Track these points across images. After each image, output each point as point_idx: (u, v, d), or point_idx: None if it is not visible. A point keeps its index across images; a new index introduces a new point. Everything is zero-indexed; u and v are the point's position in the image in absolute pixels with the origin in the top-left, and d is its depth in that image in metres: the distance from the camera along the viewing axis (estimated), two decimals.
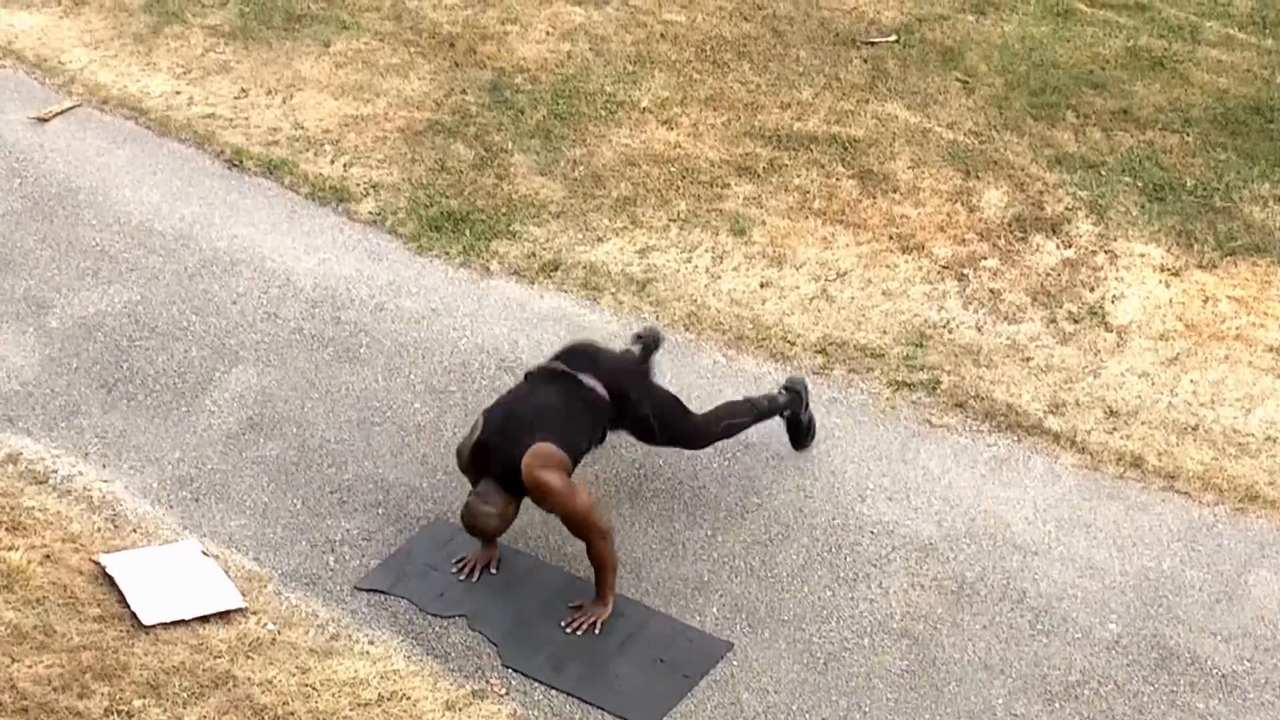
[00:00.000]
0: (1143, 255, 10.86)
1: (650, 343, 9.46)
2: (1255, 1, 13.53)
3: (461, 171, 11.63)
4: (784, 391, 9.39)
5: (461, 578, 8.80)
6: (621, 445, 9.35)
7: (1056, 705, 8.31)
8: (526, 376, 8.91)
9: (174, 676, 8.06)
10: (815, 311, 10.53)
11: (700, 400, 9.76)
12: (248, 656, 8.27)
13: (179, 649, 8.25)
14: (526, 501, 8.46)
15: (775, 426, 9.63)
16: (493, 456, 8.41)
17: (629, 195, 11.40)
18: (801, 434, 9.50)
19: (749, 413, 9.26)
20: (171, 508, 9.20)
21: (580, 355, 8.93)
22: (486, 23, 13.22)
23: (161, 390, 9.92)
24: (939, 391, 9.96)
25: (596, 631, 8.55)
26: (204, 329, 10.35)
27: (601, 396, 8.70)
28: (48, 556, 8.63)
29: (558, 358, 8.94)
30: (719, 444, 9.38)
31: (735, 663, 8.48)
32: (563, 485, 8.30)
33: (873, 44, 12.96)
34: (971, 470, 9.51)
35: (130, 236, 11.06)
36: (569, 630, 8.55)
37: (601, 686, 8.35)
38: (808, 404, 9.45)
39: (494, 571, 8.85)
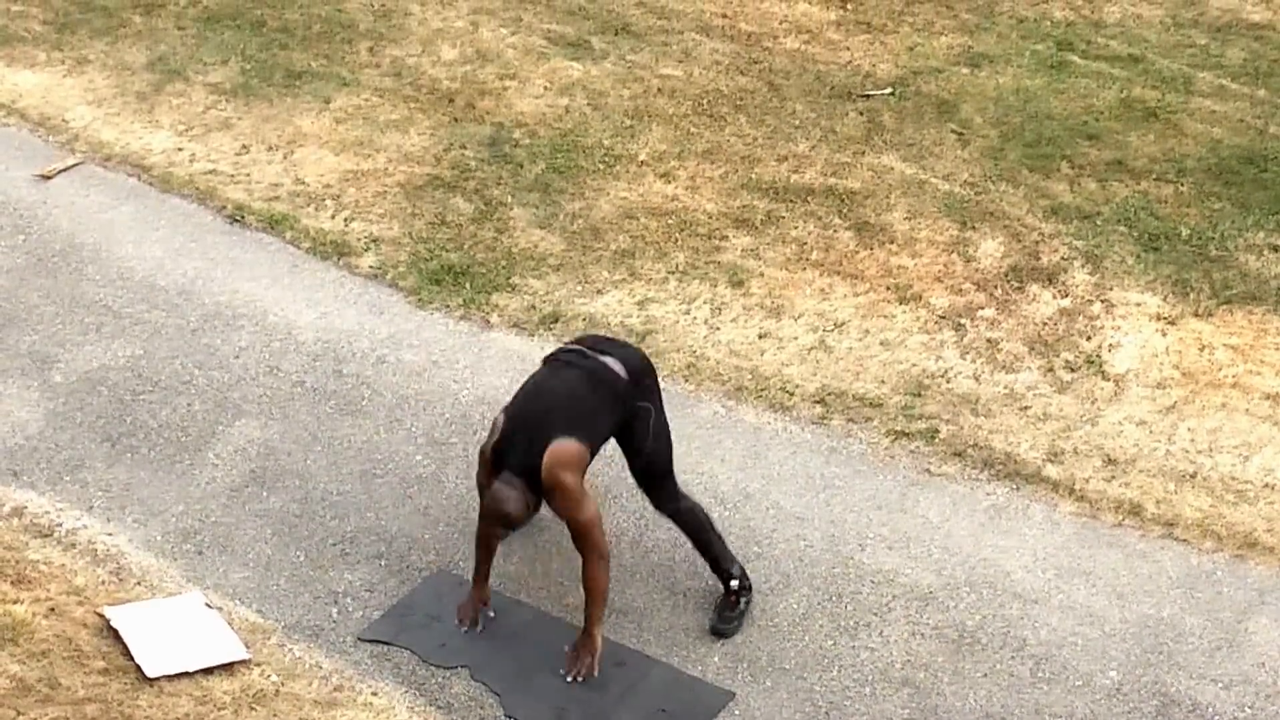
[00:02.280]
0: (1139, 304, 10.92)
1: None
2: (1247, 53, 13.63)
3: (461, 225, 11.70)
4: (745, 574, 9.02)
5: (464, 629, 8.83)
6: (624, 495, 9.39)
7: None
8: (545, 361, 8.89)
9: None
10: (814, 362, 10.58)
11: (700, 450, 9.82)
12: (251, 708, 8.28)
13: (183, 701, 8.27)
14: (527, 555, 8.48)
15: (777, 473, 9.69)
16: (514, 454, 8.40)
17: (627, 248, 11.46)
18: (729, 613, 8.94)
19: (709, 530, 8.94)
20: (175, 560, 9.23)
21: (599, 338, 8.97)
22: (485, 78, 13.31)
23: (165, 444, 9.96)
24: (937, 441, 10.00)
25: (595, 674, 8.56)
26: (206, 383, 10.40)
27: (620, 376, 8.62)
28: (52, 609, 8.65)
29: (577, 341, 8.97)
30: (718, 489, 9.43)
31: (737, 712, 8.49)
32: (576, 489, 8.30)
33: (868, 97, 13.05)
34: (970, 519, 9.54)
35: (133, 292, 11.11)
36: (570, 679, 8.57)
37: None
38: (748, 601, 8.98)
39: (491, 614, 8.86)
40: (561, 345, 9.09)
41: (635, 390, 8.68)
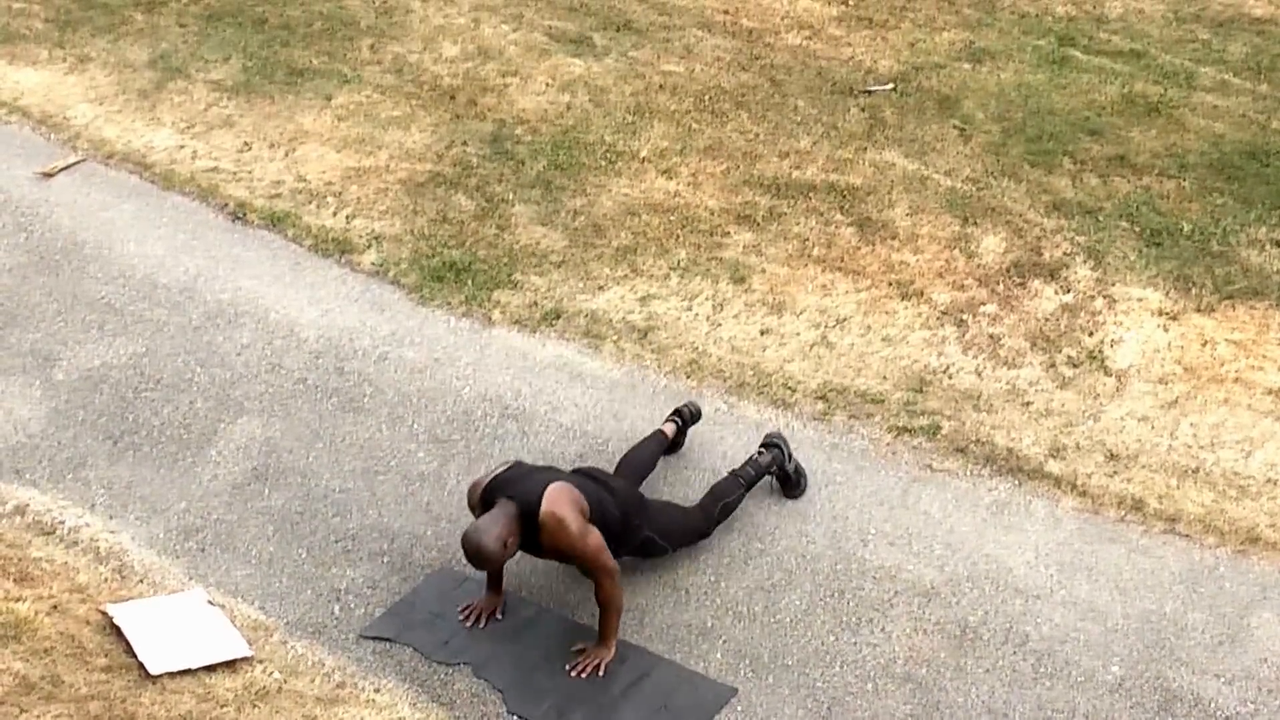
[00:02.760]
0: (1141, 299, 10.91)
1: (689, 417, 9.68)
2: (1249, 48, 13.62)
3: (463, 222, 11.70)
4: (763, 450, 9.46)
5: (468, 625, 8.84)
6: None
7: None
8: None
9: None
10: (815, 358, 10.58)
11: (702, 447, 9.81)
12: (254, 705, 8.29)
13: (186, 698, 8.27)
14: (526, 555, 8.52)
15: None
16: (515, 486, 8.45)
17: (629, 244, 11.46)
18: (791, 485, 9.58)
19: (739, 486, 9.33)
20: (178, 558, 9.23)
21: (595, 475, 9.00)
22: (487, 75, 13.31)
23: (167, 441, 9.97)
24: (939, 437, 10.00)
25: (600, 674, 8.58)
26: (209, 380, 10.40)
27: (615, 512, 8.73)
28: (55, 607, 8.65)
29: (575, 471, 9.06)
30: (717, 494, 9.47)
31: (739, 709, 8.50)
32: (577, 523, 8.36)
33: (870, 93, 13.04)
34: (973, 515, 9.54)
35: (135, 290, 11.12)
36: (574, 674, 8.58)
37: None
38: (790, 454, 9.53)
39: (499, 618, 8.88)
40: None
41: (625, 527, 8.79)
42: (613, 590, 8.51)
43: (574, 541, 8.37)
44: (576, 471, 8.92)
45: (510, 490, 8.45)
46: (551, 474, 8.61)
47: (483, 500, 8.53)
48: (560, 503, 8.35)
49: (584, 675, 8.57)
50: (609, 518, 8.63)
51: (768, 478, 9.50)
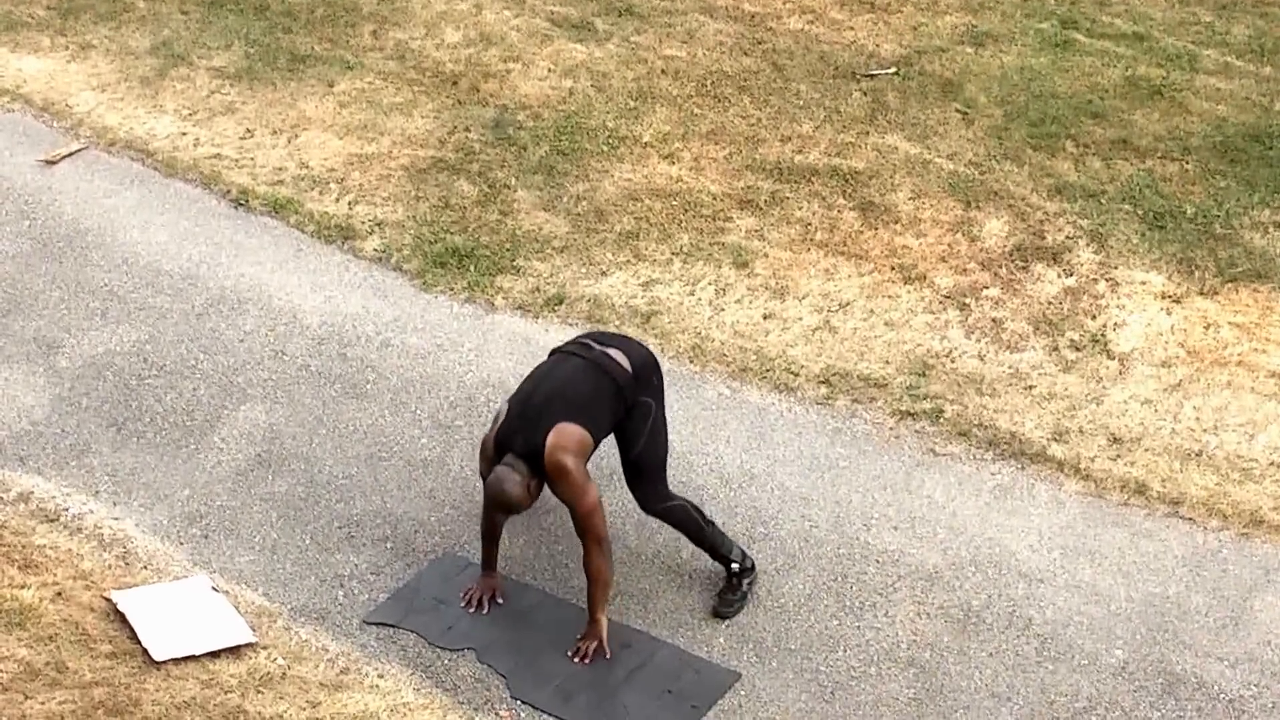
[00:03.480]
0: (1144, 283, 10.91)
1: None
2: (1252, 30, 13.60)
3: (465, 208, 11.70)
4: (747, 556, 9.02)
5: (471, 610, 8.85)
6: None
7: None
8: (551, 353, 8.93)
9: (185, 712, 8.10)
10: (818, 342, 10.58)
11: (705, 431, 9.82)
12: (258, 691, 8.30)
13: (190, 684, 8.29)
14: (532, 539, 8.50)
15: (782, 454, 9.71)
16: (517, 438, 8.41)
17: (632, 229, 11.46)
18: (731, 595, 8.94)
19: (701, 523, 8.89)
20: (181, 544, 9.25)
21: (606, 333, 8.99)
22: (489, 61, 13.30)
23: (170, 428, 9.98)
24: (942, 421, 10.00)
25: (607, 655, 8.58)
26: (212, 367, 10.41)
27: (624, 369, 8.63)
28: (59, 594, 8.67)
29: (584, 335, 9.01)
30: (723, 470, 9.45)
31: (743, 693, 8.51)
32: (578, 474, 8.32)
33: (872, 77, 13.03)
34: (976, 499, 9.55)
35: (138, 277, 11.13)
36: (576, 660, 8.59)
37: (610, 718, 8.38)
38: (751, 583, 9.00)
39: (500, 601, 8.89)
40: (566, 340, 9.09)
41: (638, 385, 8.69)
42: (599, 559, 8.46)
43: (571, 493, 8.35)
44: (587, 335, 8.88)
45: (514, 443, 8.42)
46: (551, 411, 8.42)
47: (496, 454, 8.51)
48: (562, 450, 8.32)
49: (586, 662, 8.58)
50: (621, 383, 8.59)
51: (723, 564, 8.97)
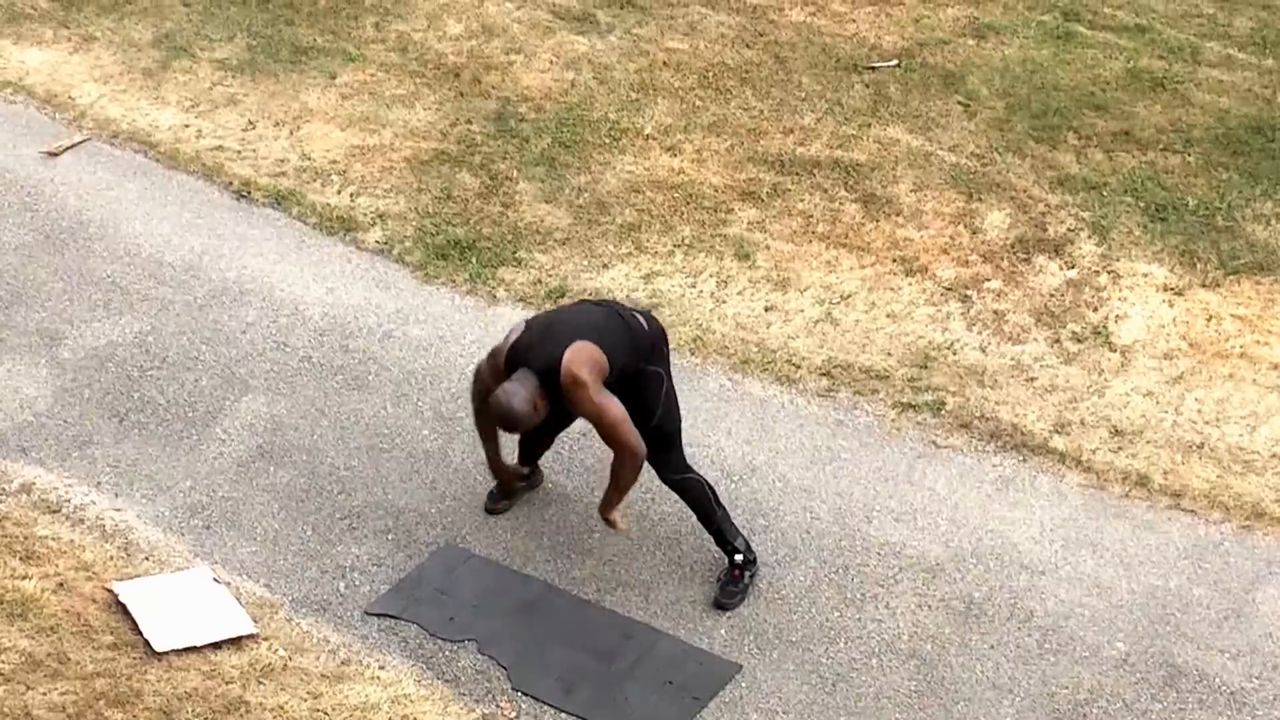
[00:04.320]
0: (1146, 275, 10.91)
1: None
2: (1255, 22, 13.60)
3: (467, 200, 11.71)
4: (750, 548, 9.01)
5: (501, 505, 9.14)
6: None
7: None
8: (579, 302, 8.98)
9: (187, 703, 8.11)
10: (820, 335, 10.58)
11: (707, 423, 9.82)
12: (260, 682, 8.31)
13: (191, 675, 8.30)
14: (533, 529, 8.50)
15: (784, 446, 9.71)
16: (533, 352, 8.37)
17: (634, 221, 11.46)
18: (732, 587, 8.94)
19: (714, 504, 8.91)
20: (183, 536, 9.25)
21: (619, 309, 8.92)
22: (491, 53, 13.30)
23: (172, 419, 9.98)
24: (944, 413, 10.00)
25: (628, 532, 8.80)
26: (214, 358, 10.41)
27: (643, 327, 8.68)
28: (61, 585, 8.68)
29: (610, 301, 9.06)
30: (724, 464, 9.46)
31: (744, 684, 8.51)
32: (594, 385, 8.28)
33: (874, 69, 13.03)
34: (978, 490, 9.55)
35: (141, 268, 11.13)
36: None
37: (611, 709, 8.38)
38: (753, 575, 8.98)
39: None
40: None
41: (651, 348, 8.71)
42: (625, 468, 8.45)
43: (590, 405, 8.31)
44: (603, 307, 8.88)
45: (529, 357, 8.39)
46: (571, 331, 8.43)
47: (506, 369, 8.46)
48: (579, 363, 8.27)
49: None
50: (638, 334, 8.64)
51: (726, 553, 8.97)
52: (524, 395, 8.28)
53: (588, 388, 8.26)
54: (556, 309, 8.90)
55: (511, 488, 9.19)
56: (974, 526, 9.32)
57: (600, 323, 8.57)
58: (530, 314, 10.57)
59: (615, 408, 8.35)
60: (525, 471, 9.23)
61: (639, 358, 8.62)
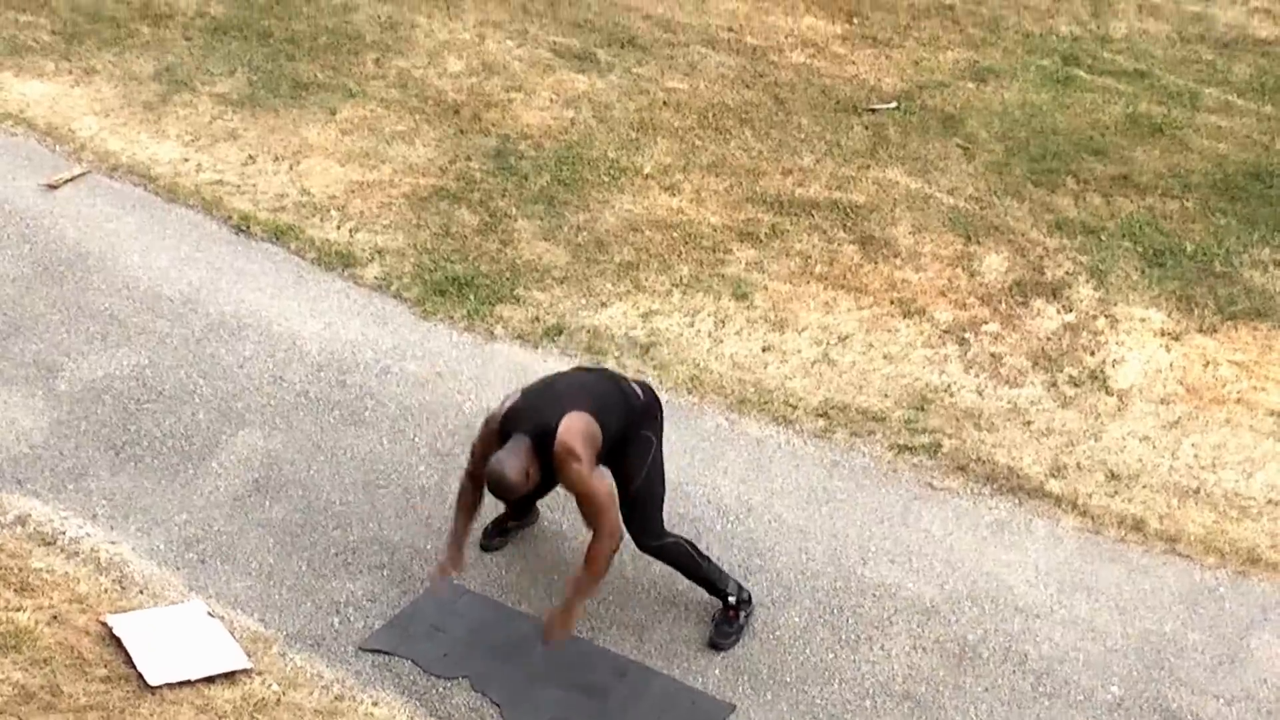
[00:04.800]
0: (1143, 319, 10.92)
1: None
2: (1253, 69, 13.64)
3: (466, 236, 11.72)
4: (743, 589, 9.01)
5: (432, 594, 8.92)
6: None
7: None
8: (575, 369, 9.03)
9: None
10: (817, 375, 10.58)
11: (703, 462, 9.82)
12: (253, 717, 8.29)
13: (185, 709, 8.28)
14: (530, 568, 8.50)
15: (780, 486, 9.71)
16: (528, 418, 8.35)
17: (632, 260, 11.47)
18: (727, 627, 8.92)
19: (696, 560, 8.89)
20: (178, 569, 9.24)
21: (616, 377, 8.94)
22: (491, 90, 13.33)
23: (169, 453, 9.98)
24: (940, 455, 10.00)
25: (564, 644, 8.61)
26: (211, 392, 10.41)
27: (638, 395, 8.70)
28: (55, 617, 8.66)
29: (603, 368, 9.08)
30: (720, 503, 9.45)
31: None
32: (589, 461, 8.28)
33: (874, 111, 13.06)
34: (973, 533, 9.54)
35: (138, 301, 11.13)
36: (544, 647, 8.57)
37: None
38: (748, 615, 8.99)
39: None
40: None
41: (644, 414, 8.73)
42: (603, 551, 8.36)
43: (579, 481, 8.28)
44: (597, 372, 8.94)
45: (525, 423, 8.36)
46: (566, 399, 8.44)
47: (501, 432, 8.44)
48: (574, 436, 8.26)
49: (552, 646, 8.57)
50: (633, 403, 8.66)
51: (719, 598, 8.97)
52: (516, 464, 8.26)
53: (581, 463, 8.26)
54: (553, 375, 8.88)
55: (450, 572, 8.87)
56: (969, 569, 9.31)
57: (595, 388, 8.60)
58: (527, 354, 10.63)
59: (602, 488, 8.36)
60: (464, 565, 8.99)
61: (632, 426, 8.65)
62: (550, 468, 8.35)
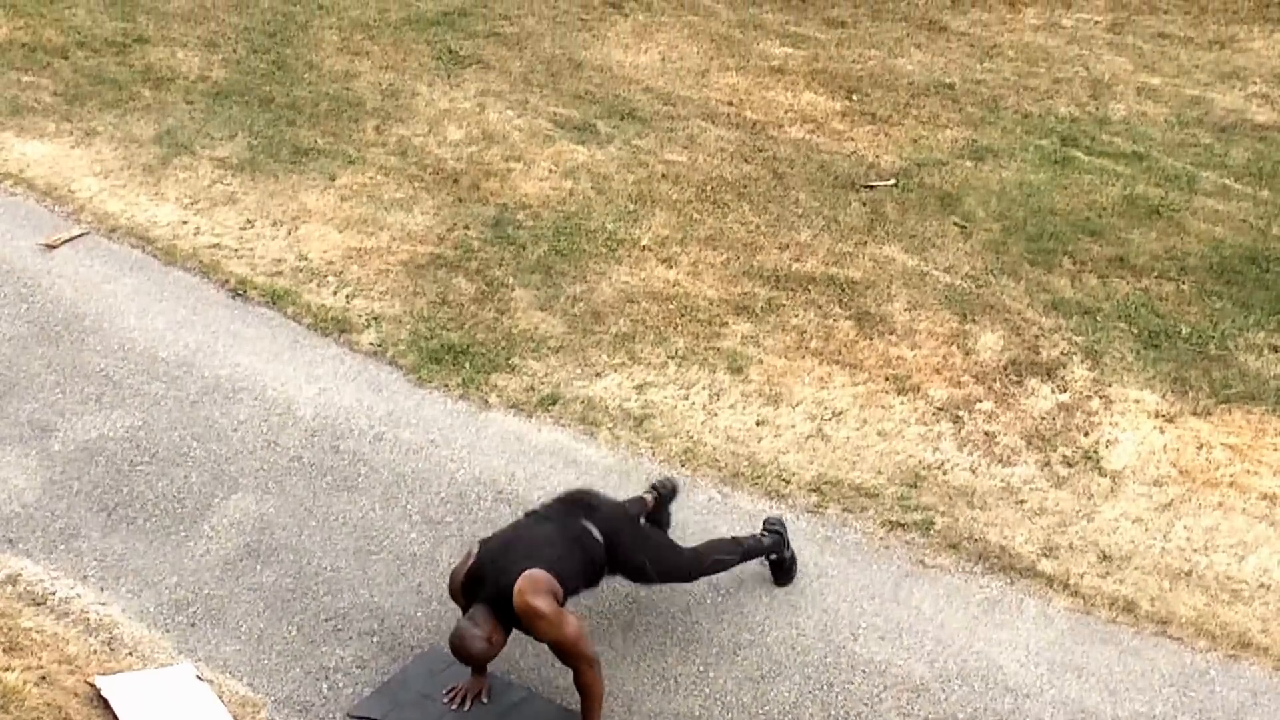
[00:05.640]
0: (1137, 401, 10.93)
1: (666, 493, 9.62)
2: (1251, 153, 13.70)
3: (462, 305, 11.73)
4: (767, 534, 9.51)
5: (453, 707, 8.81)
6: (615, 579, 9.37)
7: None
8: (527, 514, 8.98)
9: None
10: (811, 450, 10.58)
11: (695, 535, 9.80)
12: None
13: None
14: (517, 634, 8.49)
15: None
16: (486, 582, 8.47)
17: (628, 332, 11.49)
18: (784, 572, 9.62)
19: (736, 550, 9.37)
20: (168, 631, 9.21)
21: (581, 502, 9.03)
22: (490, 159, 13.38)
23: (161, 515, 9.96)
24: (933, 532, 10.00)
25: None
26: (204, 455, 10.40)
27: (597, 541, 8.79)
28: (44, 677, 8.63)
29: (559, 501, 9.04)
30: (712, 579, 9.44)
31: None
32: (552, 611, 8.34)
33: (872, 188, 13.11)
34: (964, 611, 9.53)
35: (134, 363, 11.14)
36: None
37: None
38: (788, 542, 9.59)
39: (485, 701, 8.85)
40: (543, 503, 9.15)
41: (613, 555, 8.87)
42: (592, 678, 8.48)
43: (550, 631, 8.37)
44: (560, 501, 9.02)
45: (484, 587, 8.48)
46: (524, 559, 8.50)
47: (464, 591, 8.59)
48: (532, 593, 8.33)
49: None
50: (594, 555, 8.76)
51: (761, 561, 9.56)
52: (477, 634, 8.42)
53: (546, 618, 8.35)
54: (510, 527, 8.88)
55: (474, 690, 9.09)
56: (960, 647, 9.30)
57: (552, 550, 8.63)
58: (521, 423, 10.63)
59: (573, 627, 8.42)
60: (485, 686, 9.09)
61: (593, 574, 8.81)
62: (514, 623, 8.46)
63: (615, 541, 8.87)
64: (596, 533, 8.81)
